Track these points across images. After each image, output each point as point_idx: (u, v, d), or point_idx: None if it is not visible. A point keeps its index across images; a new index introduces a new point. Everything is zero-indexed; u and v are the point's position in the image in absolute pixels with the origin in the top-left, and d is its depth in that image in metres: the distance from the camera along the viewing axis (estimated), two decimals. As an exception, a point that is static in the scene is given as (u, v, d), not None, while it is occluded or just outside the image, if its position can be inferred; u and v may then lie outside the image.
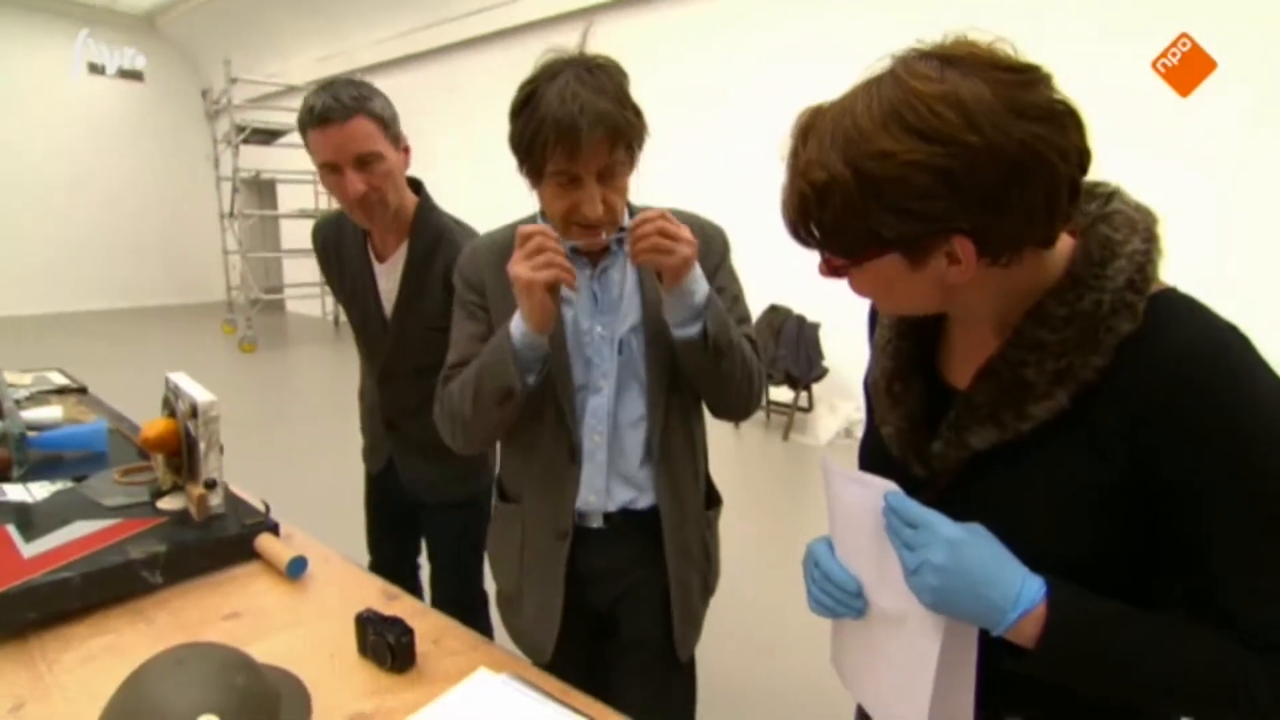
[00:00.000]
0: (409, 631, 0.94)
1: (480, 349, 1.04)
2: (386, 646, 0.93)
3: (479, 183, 7.70)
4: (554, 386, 1.04)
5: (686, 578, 1.13)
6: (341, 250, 1.44)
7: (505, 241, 1.03)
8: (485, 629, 1.61)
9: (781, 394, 4.65)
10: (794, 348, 4.37)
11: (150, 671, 0.76)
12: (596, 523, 1.11)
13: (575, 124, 0.85)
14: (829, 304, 4.50)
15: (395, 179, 1.28)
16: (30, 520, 1.15)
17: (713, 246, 1.10)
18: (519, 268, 0.90)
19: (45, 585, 0.97)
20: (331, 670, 0.92)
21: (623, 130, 0.90)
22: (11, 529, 1.11)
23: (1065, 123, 0.56)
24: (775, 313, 4.59)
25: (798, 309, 4.55)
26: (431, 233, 1.34)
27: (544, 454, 1.08)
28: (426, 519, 1.60)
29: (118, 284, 10.25)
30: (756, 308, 4.72)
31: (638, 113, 0.94)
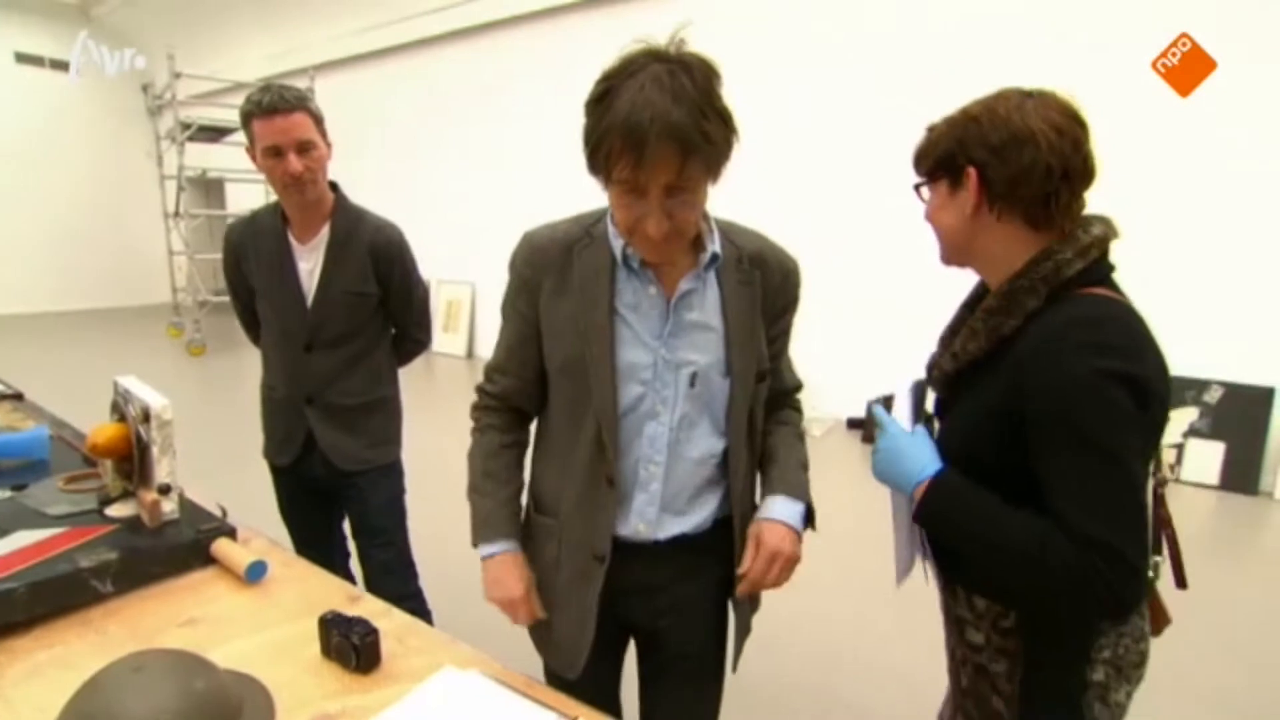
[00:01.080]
0: (373, 631, 0.93)
1: (517, 361, 1.06)
2: (351, 647, 0.92)
3: (421, 179, 7.61)
4: (596, 407, 0.97)
5: (748, 594, 1.09)
6: (258, 243, 1.59)
7: (566, 240, 0.99)
8: (420, 601, 1.78)
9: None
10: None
11: (107, 679, 0.75)
12: (641, 542, 1.05)
13: (643, 133, 0.77)
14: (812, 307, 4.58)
15: (324, 166, 1.52)
16: (-31, 530, 1.11)
17: (788, 284, 1.06)
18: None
19: (-11, 596, 0.93)
20: (295, 673, 0.91)
21: (695, 145, 0.79)
22: (-50, 540, 1.06)
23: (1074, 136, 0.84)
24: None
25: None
26: (352, 214, 1.60)
27: (581, 476, 1.02)
28: (349, 494, 1.69)
29: (53, 285, 9.77)
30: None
31: (725, 121, 0.83)
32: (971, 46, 4.31)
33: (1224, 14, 3.55)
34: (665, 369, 0.97)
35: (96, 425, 1.25)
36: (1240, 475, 3.73)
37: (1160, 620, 0.93)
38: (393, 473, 1.75)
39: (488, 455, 1.10)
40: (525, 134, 6.53)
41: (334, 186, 1.62)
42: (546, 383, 1.06)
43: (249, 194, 8.79)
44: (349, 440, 1.64)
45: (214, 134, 7.91)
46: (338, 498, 1.75)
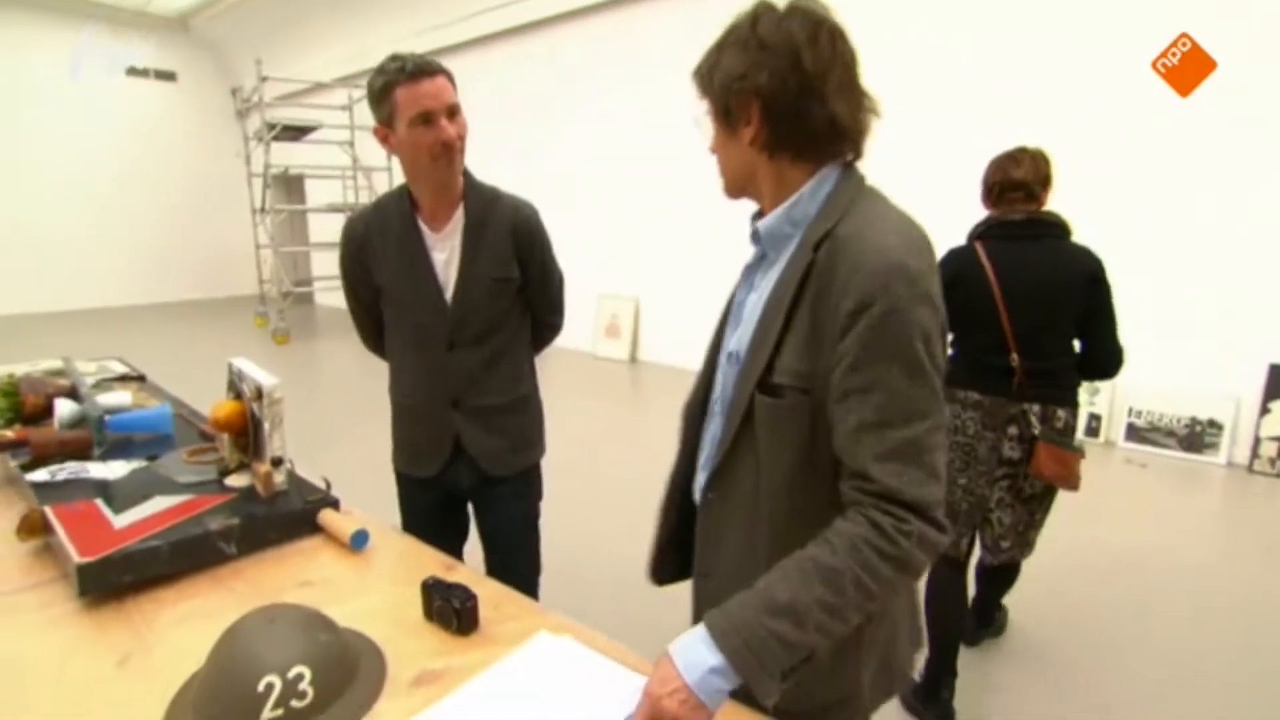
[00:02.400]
0: (473, 596, 0.99)
1: None
2: (452, 610, 0.97)
3: (505, 176, 7.75)
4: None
5: None
6: (386, 233, 1.42)
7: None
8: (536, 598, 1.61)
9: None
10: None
11: (245, 627, 0.82)
12: None
13: None
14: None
15: (466, 136, 1.36)
16: (115, 495, 1.22)
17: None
18: None
19: (139, 552, 1.03)
20: (400, 633, 0.97)
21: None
22: (100, 503, 1.18)
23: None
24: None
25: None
26: (487, 194, 1.44)
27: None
28: (491, 499, 1.56)
29: (152, 280, 10.47)
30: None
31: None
32: (972, 46, 4.22)
33: (1224, 14, 3.45)
34: (728, 363, 0.97)
35: (215, 402, 1.35)
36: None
37: None
38: (535, 479, 1.61)
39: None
40: (594, 131, 6.58)
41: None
42: None
43: (327, 189, 9.20)
44: (495, 443, 1.49)
45: (295, 133, 8.28)
46: (477, 508, 1.61)
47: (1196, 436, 3.88)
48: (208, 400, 1.89)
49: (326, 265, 9.60)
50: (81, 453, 1.40)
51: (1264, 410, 3.70)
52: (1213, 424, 3.84)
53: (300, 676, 0.78)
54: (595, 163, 6.61)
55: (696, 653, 0.72)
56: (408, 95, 1.26)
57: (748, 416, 0.84)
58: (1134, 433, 4.04)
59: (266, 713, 0.75)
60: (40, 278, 9.52)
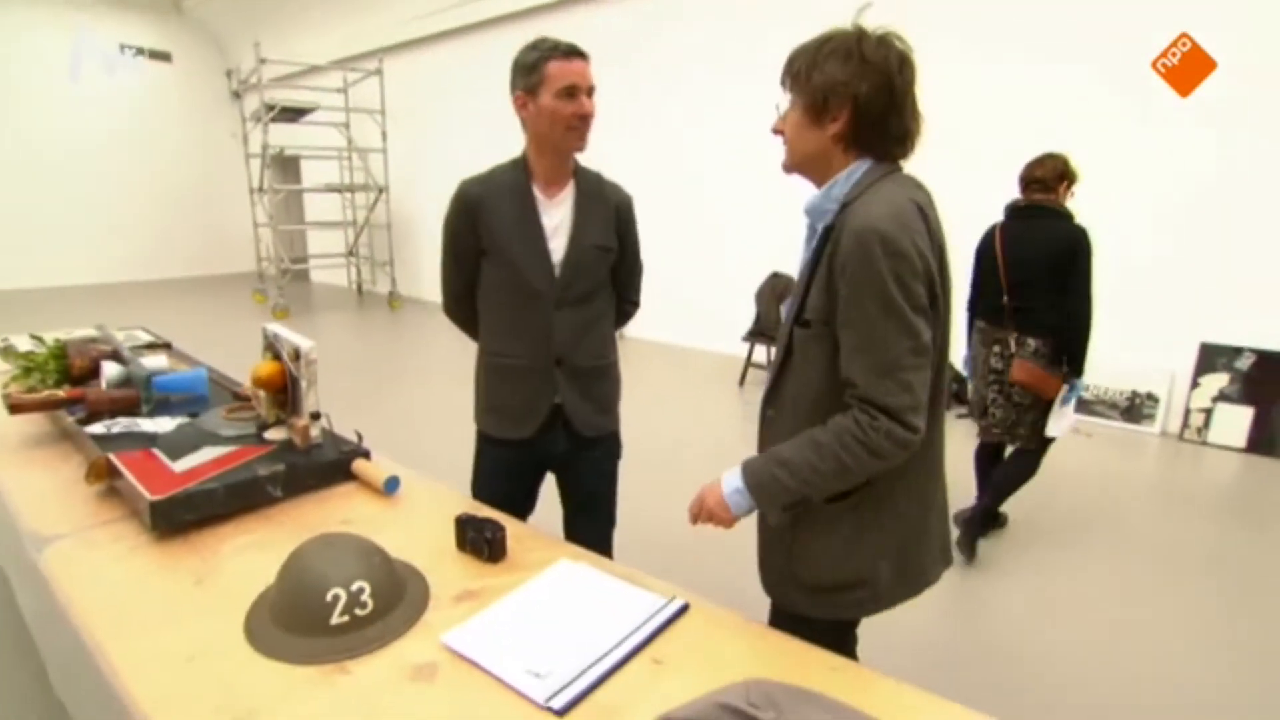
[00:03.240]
0: (501, 528, 1.08)
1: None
2: (484, 540, 1.07)
3: (495, 158, 7.71)
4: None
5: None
6: (497, 199, 1.45)
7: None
8: (609, 555, 1.59)
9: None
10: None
11: (310, 550, 0.91)
12: None
13: None
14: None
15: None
16: (166, 446, 1.29)
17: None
18: None
19: (199, 493, 1.11)
20: (437, 561, 1.06)
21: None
22: (157, 451, 1.24)
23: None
24: (777, 279, 4.72)
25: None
26: (592, 172, 1.54)
27: None
28: (582, 461, 1.57)
29: (151, 256, 10.28)
30: (759, 275, 4.85)
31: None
32: (971, 46, 4.23)
33: (1224, 14, 3.42)
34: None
35: (255, 364, 1.41)
36: (1267, 439, 3.68)
37: None
38: (618, 439, 1.65)
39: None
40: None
41: None
42: None
43: (323, 170, 9.08)
44: (587, 405, 1.52)
45: (293, 114, 8.14)
46: (562, 470, 1.61)
47: (1136, 408, 4.08)
48: (224, 367, 1.95)
49: (322, 243, 9.51)
50: (130, 409, 1.46)
51: (1194, 384, 3.89)
52: (1150, 397, 4.03)
53: (361, 590, 0.87)
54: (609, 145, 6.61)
55: (732, 478, 1.03)
56: (560, 69, 1.35)
57: (789, 346, 1.04)
58: (1082, 405, 4.22)
59: (335, 618, 0.84)
60: (39, 254, 9.31)
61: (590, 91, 1.39)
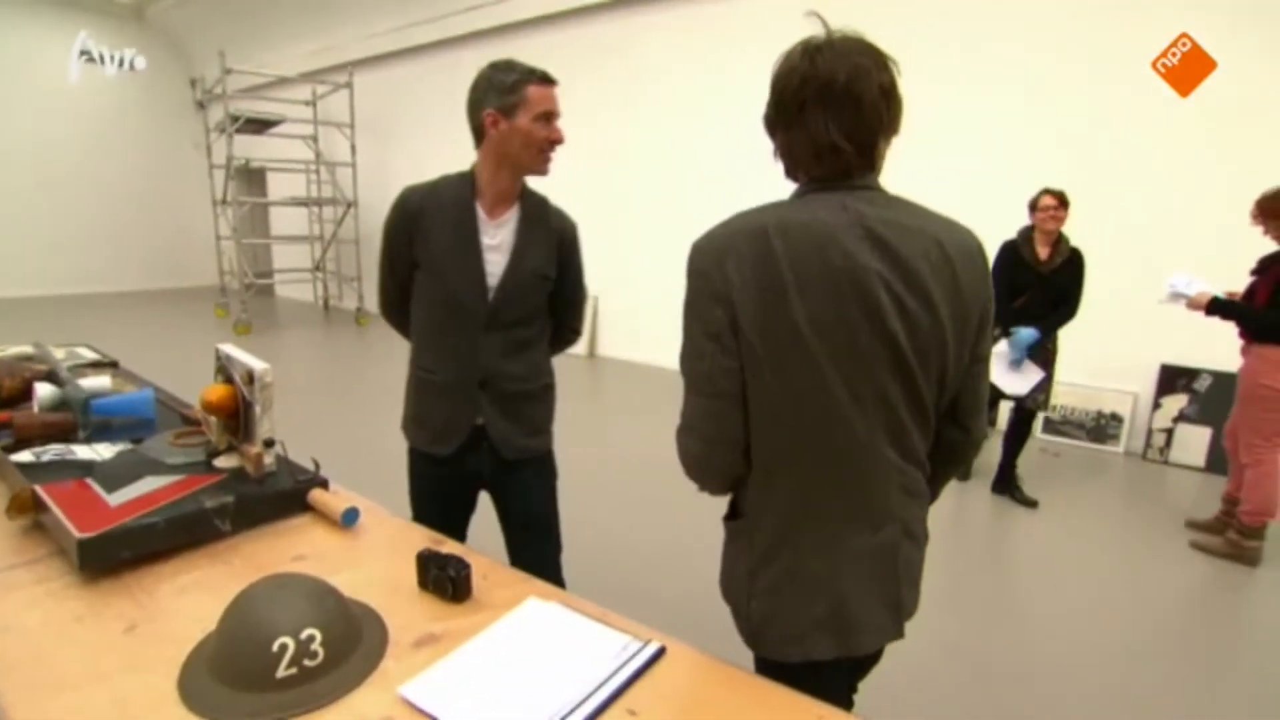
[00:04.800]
0: (466, 566, 1.01)
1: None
2: (448, 579, 1.00)
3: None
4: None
5: None
6: (439, 212, 1.44)
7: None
8: (560, 581, 1.56)
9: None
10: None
11: (256, 593, 0.83)
12: None
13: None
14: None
15: None
16: (103, 476, 1.20)
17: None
18: None
19: (137, 528, 1.02)
20: (397, 601, 0.99)
21: None
22: (91, 482, 1.15)
23: None
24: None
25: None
26: (538, 198, 1.53)
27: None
28: (509, 483, 1.56)
29: (109, 268, 9.93)
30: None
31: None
32: (971, 47, 4.30)
33: (1224, 14, 3.47)
34: None
35: (205, 386, 1.33)
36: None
37: None
38: (551, 462, 1.63)
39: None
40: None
41: None
42: None
43: (289, 183, 8.90)
44: (511, 427, 1.50)
45: (259, 125, 7.98)
46: (492, 490, 1.60)
47: (1101, 428, 4.16)
48: (176, 387, 1.85)
49: (288, 258, 9.30)
50: (65, 435, 1.36)
51: (1156, 405, 3.99)
52: (1115, 417, 4.12)
53: (311, 638, 0.80)
54: (557, 163, 6.60)
55: None
56: (540, 94, 1.37)
57: None
58: (1050, 425, 4.30)
59: (281, 671, 0.77)
60: (-11, 264, 8.93)
61: (558, 118, 1.42)
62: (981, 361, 0.96)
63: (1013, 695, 1.94)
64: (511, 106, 1.37)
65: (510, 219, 1.46)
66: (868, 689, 1.15)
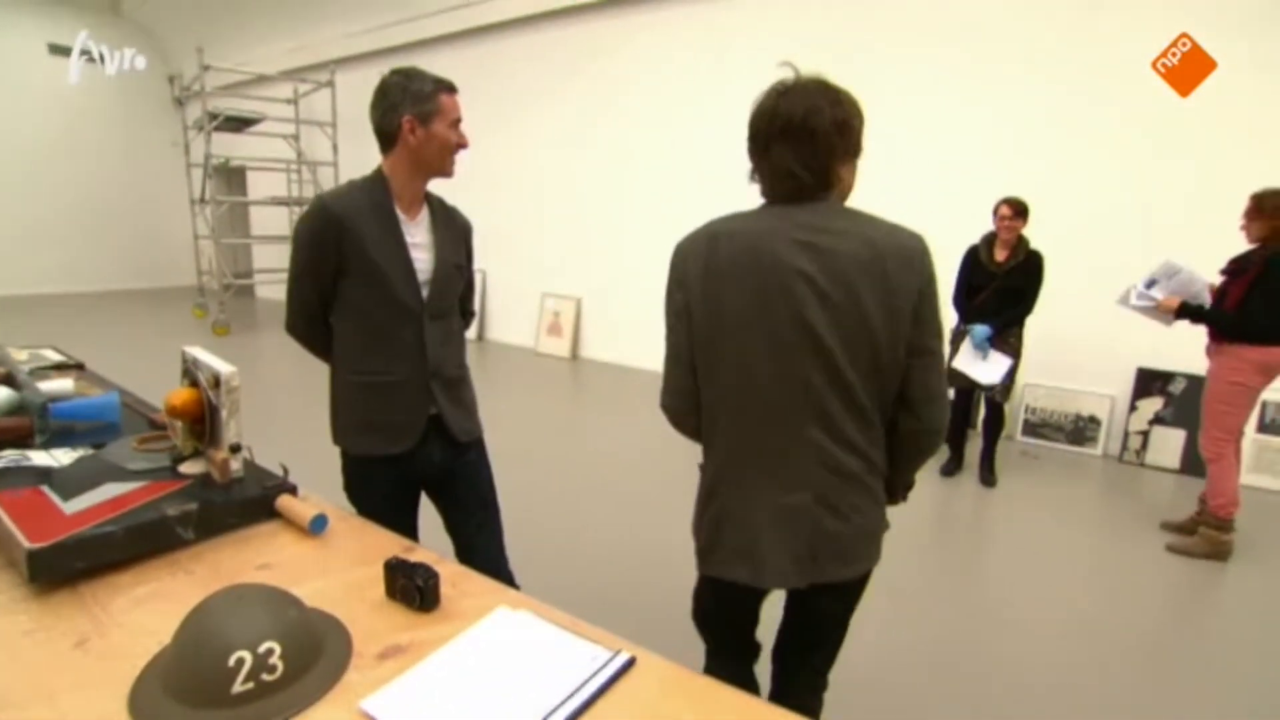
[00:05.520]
0: (434, 574, 0.99)
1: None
2: (415, 588, 0.98)
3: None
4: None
5: None
6: (365, 218, 1.46)
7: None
8: (508, 576, 1.67)
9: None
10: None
11: (213, 605, 0.81)
12: None
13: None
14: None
15: None
16: (61, 483, 1.16)
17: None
18: None
19: (92, 538, 0.99)
20: (364, 611, 0.97)
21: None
22: (47, 490, 1.12)
23: None
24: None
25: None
26: (436, 196, 1.62)
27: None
28: (461, 469, 1.64)
29: (85, 268, 9.73)
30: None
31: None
32: (971, 47, 4.31)
33: (1224, 14, 3.48)
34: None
35: (170, 390, 1.30)
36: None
37: None
38: (482, 444, 1.71)
39: None
40: (536, 137, 6.54)
41: None
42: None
43: (270, 182, 8.78)
44: (458, 412, 1.60)
45: (239, 124, 7.87)
46: (431, 486, 1.65)
47: (1079, 431, 4.21)
48: (149, 390, 1.81)
49: (268, 258, 9.17)
50: (21, 441, 1.32)
51: (1132, 408, 4.04)
52: (1093, 419, 4.17)
53: (270, 651, 0.78)
54: (541, 169, 6.57)
55: None
56: (451, 102, 1.48)
57: None
58: (1029, 428, 4.34)
59: (238, 686, 0.75)
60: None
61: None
62: (927, 355, 1.07)
63: (985, 693, 1.95)
64: (428, 114, 1.45)
65: (424, 218, 1.56)
66: (846, 685, 1.16)
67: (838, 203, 1.09)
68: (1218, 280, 2.82)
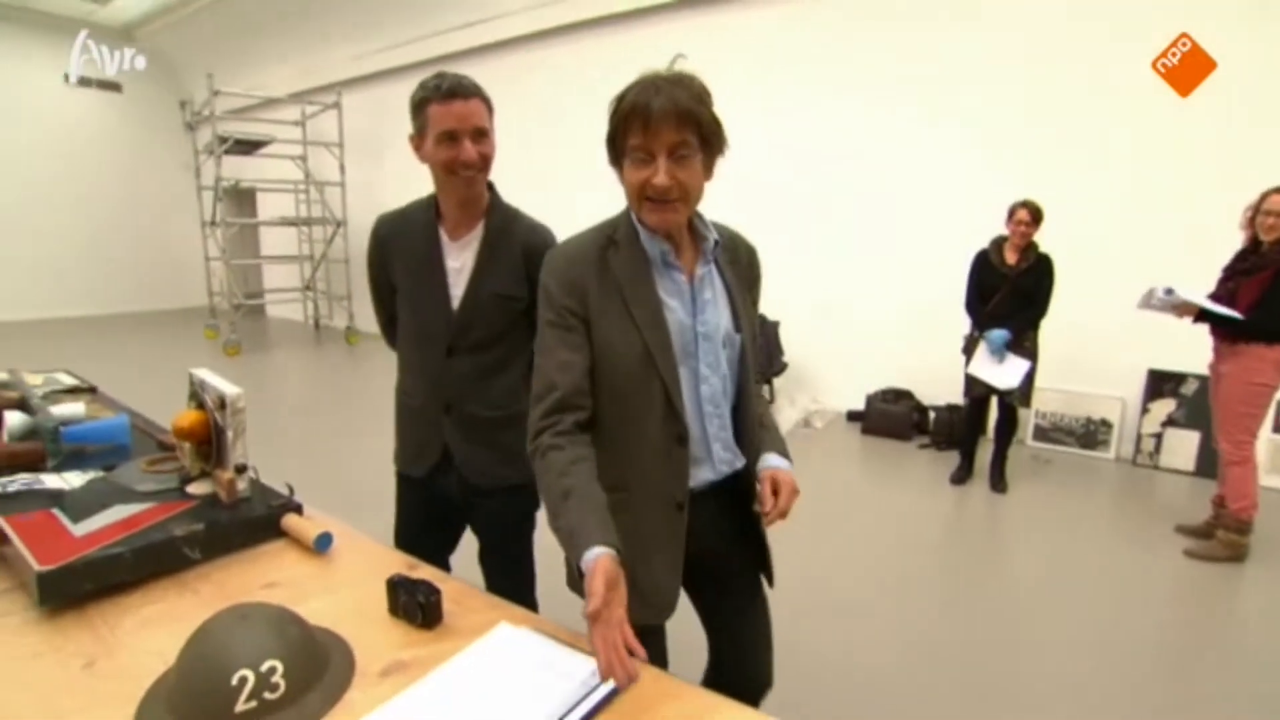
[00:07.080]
0: (436, 591, 1.00)
1: (577, 372, 1.04)
2: (417, 605, 0.99)
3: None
4: (663, 380, 1.06)
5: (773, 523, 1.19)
6: (406, 238, 1.44)
7: (596, 246, 1.07)
8: (533, 606, 1.52)
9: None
10: (755, 344, 4.54)
11: (217, 625, 0.82)
12: (704, 488, 1.14)
13: (648, 108, 0.95)
14: (788, 304, 4.65)
15: (492, 158, 1.39)
16: (71, 505, 1.18)
17: (753, 261, 1.22)
18: (597, 640, 0.85)
19: (100, 559, 1.01)
20: (367, 628, 0.98)
21: (691, 116, 0.96)
22: (58, 512, 1.14)
23: None
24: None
25: (760, 308, 4.69)
26: (508, 213, 1.46)
27: (654, 442, 1.08)
28: (479, 509, 1.53)
29: (98, 291, 9.89)
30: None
31: (713, 115, 1.00)
32: (971, 46, 4.32)
33: (1224, 14, 3.47)
34: (703, 340, 1.10)
35: (177, 412, 1.32)
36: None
37: None
38: (525, 492, 1.45)
39: (560, 474, 1.02)
40: (538, 152, 6.61)
41: (489, 186, 1.46)
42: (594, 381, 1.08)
43: (279, 203, 8.90)
44: (485, 454, 1.45)
45: (248, 147, 8.00)
46: (466, 515, 1.57)
47: (1091, 434, 4.17)
48: (161, 412, 1.83)
49: (278, 278, 9.28)
50: (34, 464, 1.34)
51: (1144, 410, 4.00)
52: (1104, 423, 4.13)
53: (273, 670, 0.79)
54: (554, 183, 6.63)
55: (785, 463, 1.14)
56: (439, 112, 1.30)
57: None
58: (1040, 432, 4.30)
59: (241, 705, 0.76)
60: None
61: (478, 134, 1.32)
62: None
63: (1001, 705, 1.92)
64: (422, 128, 1.33)
65: (473, 239, 1.42)
66: (861, 695, 1.14)
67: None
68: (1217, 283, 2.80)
